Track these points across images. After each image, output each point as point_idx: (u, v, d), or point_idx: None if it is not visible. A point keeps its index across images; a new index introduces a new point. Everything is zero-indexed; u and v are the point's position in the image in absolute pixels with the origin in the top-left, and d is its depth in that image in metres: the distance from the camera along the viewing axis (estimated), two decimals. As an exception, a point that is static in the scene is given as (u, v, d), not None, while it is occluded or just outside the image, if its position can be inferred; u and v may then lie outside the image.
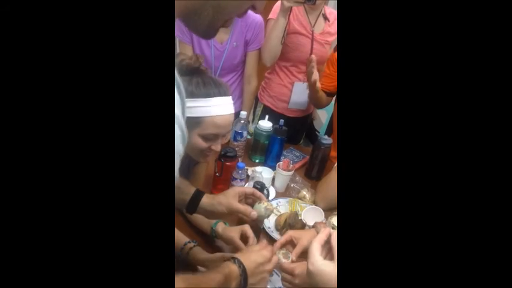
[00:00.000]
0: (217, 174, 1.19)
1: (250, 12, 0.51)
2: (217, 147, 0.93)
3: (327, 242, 0.61)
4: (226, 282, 0.66)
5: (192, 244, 0.89)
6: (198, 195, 0.90)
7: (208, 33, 0.51)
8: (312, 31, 1.60)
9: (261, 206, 0.86)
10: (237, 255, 0.73)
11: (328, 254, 0.61)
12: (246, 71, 1.67)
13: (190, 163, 1.10)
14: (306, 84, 1.70)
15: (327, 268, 0.58)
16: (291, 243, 0.85)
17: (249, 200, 0.91)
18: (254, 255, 0.73)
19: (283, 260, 0.83)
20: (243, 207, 0.85)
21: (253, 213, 0.85)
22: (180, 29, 1.53)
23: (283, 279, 0.80)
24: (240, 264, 0.70)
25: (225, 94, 0.90)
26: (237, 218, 1.01)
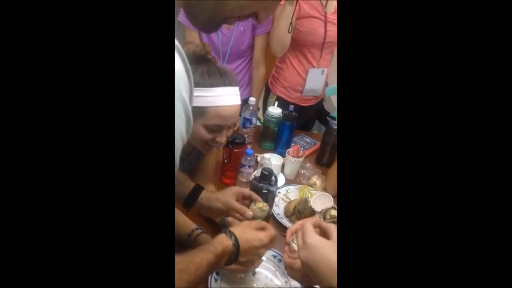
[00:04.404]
0: (225, 161, 1.18)
1: None
2: (222, 138, 0.91)
3: (318, 226, 0.65)
4: (218, 260, 0.66)
5: (199, 231, 0.89)
6: (197, 190, 0.90)
7: (207, 26, 0.50)
8: (325, 12, 1.53)
9: (256, 207, 0.86)
10: (233, 229, 0.72)
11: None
12: (255, 56, 1.63)
13: (200, 153, 1.10)
14: (320, 69, 1.66)
15: (324, 243, 0.61)
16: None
17: (246, 201, 0.91)
18: (251, 235, 0.72)
19: (293, 245, 0.83)
20: (239, 206, 0.86)
21: (249, 213, 0.86)
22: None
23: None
24: (236, 242, 0.69)
25: (230, 84, 0.88)
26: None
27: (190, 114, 0.43)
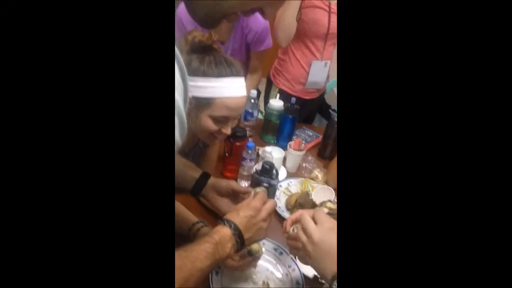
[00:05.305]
0: (226, 154, 1.18)
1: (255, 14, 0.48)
2: (227, 130, 0.92)
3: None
4: (219, 248, 0.64)
5: (200, 225, 0.89)
6: (205, 176, 0.93)
7: (206, 21, 0.49)
8: (329, 3, 1.51)
9: (256, 191, 0.86)
10: (225, 216, 0.70)
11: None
12: (252, 64, 1.62)
13: (204, 145, 1.10)
14: (324, 62, 1.65)
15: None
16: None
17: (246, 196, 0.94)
18: (243, 210, 0.71)
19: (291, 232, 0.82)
20: (241, 186, 0.97)
21: (249, 190, 0.91)
22: (178, 28, 1.51)
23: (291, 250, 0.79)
24: (231, 224, 0.67)
25: (237, 74, 0.88)
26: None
27: (184, 118, 0.43)
